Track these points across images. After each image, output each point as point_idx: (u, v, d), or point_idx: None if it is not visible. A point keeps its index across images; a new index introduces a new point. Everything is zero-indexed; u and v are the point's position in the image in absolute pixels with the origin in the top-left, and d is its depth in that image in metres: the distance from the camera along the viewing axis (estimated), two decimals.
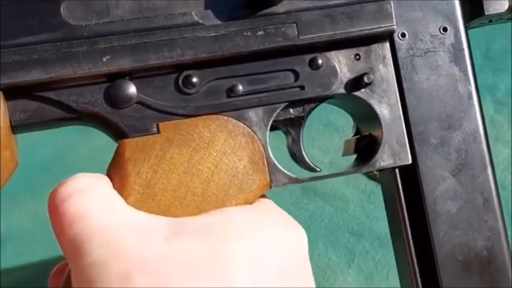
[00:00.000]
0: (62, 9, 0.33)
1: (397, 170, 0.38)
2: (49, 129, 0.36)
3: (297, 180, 0.37)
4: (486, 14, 0.39)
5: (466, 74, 0.38)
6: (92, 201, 0.32)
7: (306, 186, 0.94)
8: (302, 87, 0.36)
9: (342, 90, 0.37)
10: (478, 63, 1.10)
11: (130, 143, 0.34)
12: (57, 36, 0.33)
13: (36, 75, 0.32)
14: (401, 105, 0.38)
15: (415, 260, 0.38)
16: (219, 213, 0.33)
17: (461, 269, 0.37)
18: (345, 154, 0.40)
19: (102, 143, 0.91)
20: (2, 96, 0.32)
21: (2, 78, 0.32)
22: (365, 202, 1.00)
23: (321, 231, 0.90)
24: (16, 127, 0.33)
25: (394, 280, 0.93)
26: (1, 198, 0.80)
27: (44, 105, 0.33)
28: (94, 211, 0.31)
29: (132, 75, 0.34)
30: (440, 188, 0.38)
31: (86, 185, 0.32)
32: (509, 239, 0.90)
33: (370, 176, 1.00)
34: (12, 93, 0.32)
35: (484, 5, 0.39)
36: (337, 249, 0.93)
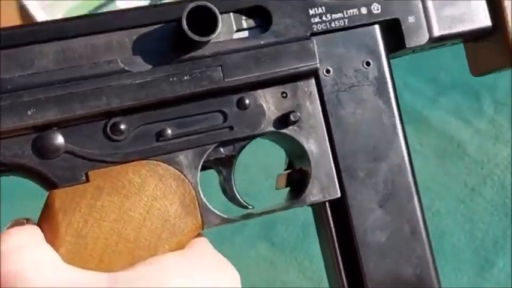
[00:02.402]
0: None
1: (327, 204, 0.38)
2: None
3: (228, 220, 0.37)
4: (408, 46, 0.39)
5: (390, 106, 0.39)
6: (28, 260, 0.31)
7: None
8: (231, 128, 0.37)
9: (271, 129, 0.37)
10: None
11: (60, 193, 0.33)
12: None
13: None
14: (329, 139, 0.38)
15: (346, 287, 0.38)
16: (153, 263, 0.34)
17: None
18: (277, 188, 0.40)
19: None
20: None
21: None
22: None
23: None
24: None
25: None
26: (1, 197, 0.80)
27: None
28: (30, 271, 0.31)
29: (59, 125, 0.34)
30: (369, 219, 0.38)
31: (20, 242, 0.32)
32: (510, 239, 0.89)
33: None
34: None
35: (405, 38, 0.39)
36: None
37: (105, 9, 0.97)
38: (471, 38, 0.42)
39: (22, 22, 0.95)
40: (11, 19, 0.95)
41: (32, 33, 0.34)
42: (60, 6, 0.95)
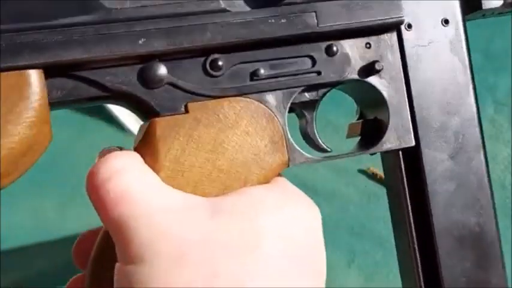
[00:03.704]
0: None
1: (400, 152, 0.41)
2: (82, 106, 0.38)
3: (312, 160, 0.39)
4: (483, 8, 0.42)
5: (464, 64, 0.41)
6: (133, 180, 0.33)
7: (306, 186, 0.94)
8: (319, 73, 0.39)
9: (355, 76, 0.39)
10: (478, 63, 1.10)
11: (161, 122, 0.36)
12: (94, 19, 0.34)
13: (76, 55, 0.34)
14: (407, 91, 0.40)
15: (414, 235, 0.40)
16: (247, 193, 0.36)
17: (456, 244, 0.40)
18: (349, 136, 0.43)
19: (101, 141, 0.91)
20: (42, 75, 0.33)
21: (45, 57, 0.33)
22: (365, 202, 1.00)
23: None
24: (53, 104, 0.34)
25: (394, 280, 0.93)
26: (1, 197, 0.80)
27: (80, 84, 0.35)
28: (136, 191, 0.32)
29: (163, 57, 0.36)
30: (440, 169, 0.40)
31: (124, 164, 0.33)
32: (510, 234, 0.90)
33: (373, 176, 1.00)
34: (51, 72, 0.34)
35: (482, 0, 0.42)
36: (337, 249, 0.93)
37: None
38: None
39: None
40: None
41: None
42: None
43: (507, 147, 1.01)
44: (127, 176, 0.33)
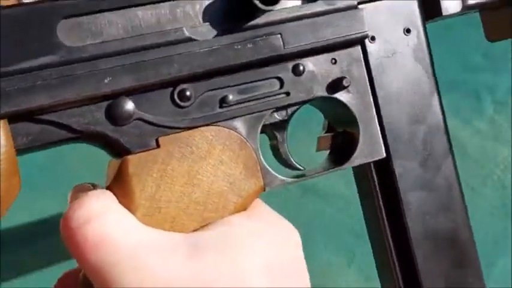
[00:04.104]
0: (57, 31, 0.33)
1: (372, 164, 0.41)
2: (51, 148, 0.36)
3: (286, 182, 0.39)
4: (444, 14, 0.43)
5: (428, 71, 0.42)
6: (112, 224, 0.32)
7: (306, 186, 0.94)
8: (287, 93, 0.39)
9: (323, 94, 0.39)
10: (478, 63, 1.10)
11: (133, 159, 0.35)
12: (56, 59, 0.33)
13: (41, 101, 0.33)
14: (375, 104, 0.40)
15: (391, 243, 0.42)
16: (225, 224, 0.35)
17: (433, 248, 0.41)
18: (319, 150, 0.43)
19: None
20: (6, 125, 0.32)
21: (8, 106, 0.32)
22: None
23: (321, 231, 0.90)
24: (19, 151, 0.33)
25: None
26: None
27: (47, 128, 0.34)
28: (116, 234, 0.32)
29: (130, 93, 0.35)
30: (411, 178, 0.41)
31: (100, 207, 0.33)
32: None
33: None
34: (14, 118, 0.33)
35: (442, 6, 0.42)
36: (337, 249, 0.93)
37: None
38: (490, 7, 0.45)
39: None
40: None
41: (98, 2, 0.34)
42: None
43: (507, 147, 1.01)
44: (104, 220, 0.32)
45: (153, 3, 0.36)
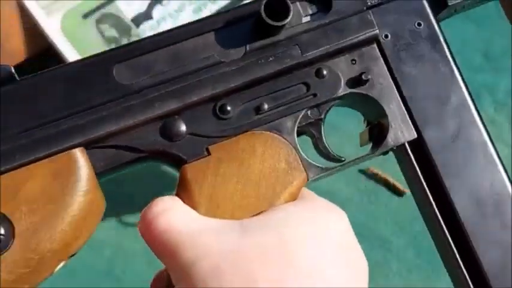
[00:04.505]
0: (114, 75, 0.42)
1: (407, 146, 0.44)
2: (130, 168, 0.43)
3: (327, 169, 0.44)
4: (450, 4, 0.46)
5: (445, 56, 0.45)
6: (177, 215, 0.39)
7: (306, 186, 0.94)
8: (315, 95, 0.44)
9: (347, 90, 0.44)
10: (478, 63, 1.10)
11: (190, 168, 0.42)
12: (116, 95, 0.41)
13: (108, 128, 0.40)
14: (398, 92, 0.45)
15: (440, 218, 0.44)
16: (275, 211, 0.40)
17: (479, 214, 0.44)
18: (362, 144, 0.47)
19: None
20: (84, 151, 0.40)
21: (83, 135, 0.40)
22: (365, 202, 1.00)
23: None
24: (99, 175, 0.41)
25: (394, 280, 0.92)
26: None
27: (118, 151, 0.41)
28: (179, 222, 0.39)
29: (179, 113, 0.42)
30: (446, 154, 0.44)
31: (168, 205, 0.40)
32: None
33: (373, 176, 1.00)
34: (91, 147, 0.40)
35: None
36: None
37: (104, 9, 0.97)
38: None
39: (22, 21, 0.95)
40: (11, 18, 0.95)
41: (145, 45, 0.43)
42: (60, 5, 0.95)
43: (507, 147, 1.01)
44: (172, 212, 0.39)
45: (188, 39, 0.43)
